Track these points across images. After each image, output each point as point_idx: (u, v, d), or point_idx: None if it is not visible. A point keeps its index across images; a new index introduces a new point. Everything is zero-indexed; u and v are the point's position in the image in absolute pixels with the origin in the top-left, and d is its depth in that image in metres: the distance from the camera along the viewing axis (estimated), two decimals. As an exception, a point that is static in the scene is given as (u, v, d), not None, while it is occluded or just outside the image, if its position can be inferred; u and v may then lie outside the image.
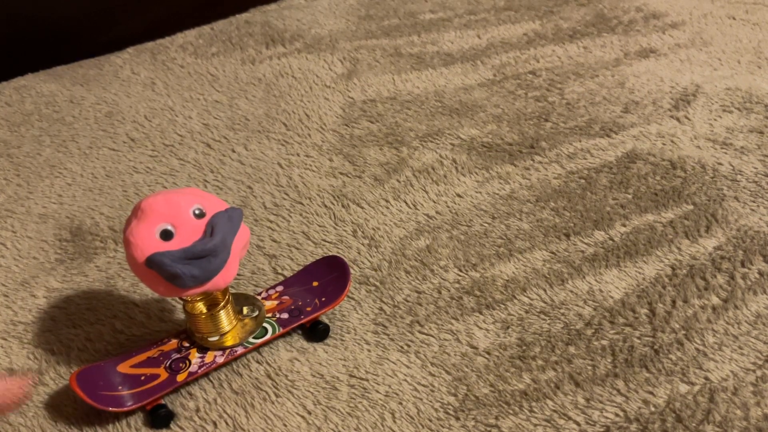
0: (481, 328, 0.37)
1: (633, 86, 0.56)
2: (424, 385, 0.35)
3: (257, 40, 0.66)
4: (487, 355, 0.36)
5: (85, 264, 0.43)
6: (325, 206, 0.46)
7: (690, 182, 0.46)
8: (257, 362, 0.36)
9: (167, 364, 0.34)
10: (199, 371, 0.33)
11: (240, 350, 0.34)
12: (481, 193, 0.46)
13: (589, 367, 0.35)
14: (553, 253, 0.41)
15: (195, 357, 0.34)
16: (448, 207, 0.45)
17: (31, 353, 0.37)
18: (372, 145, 0.51)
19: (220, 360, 0.34)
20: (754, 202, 0.44)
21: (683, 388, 0.34)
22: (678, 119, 0.52)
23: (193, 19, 0.70)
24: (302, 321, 0.36)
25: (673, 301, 0.38)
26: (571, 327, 0.37)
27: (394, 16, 0.70)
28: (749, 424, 0.32)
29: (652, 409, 0.33)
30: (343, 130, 0.53)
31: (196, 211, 0.31)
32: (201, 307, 0.34)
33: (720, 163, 0.47)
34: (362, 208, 0.45)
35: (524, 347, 0.36)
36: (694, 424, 0.32)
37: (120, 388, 0.32)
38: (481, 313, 0.38)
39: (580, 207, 0.45)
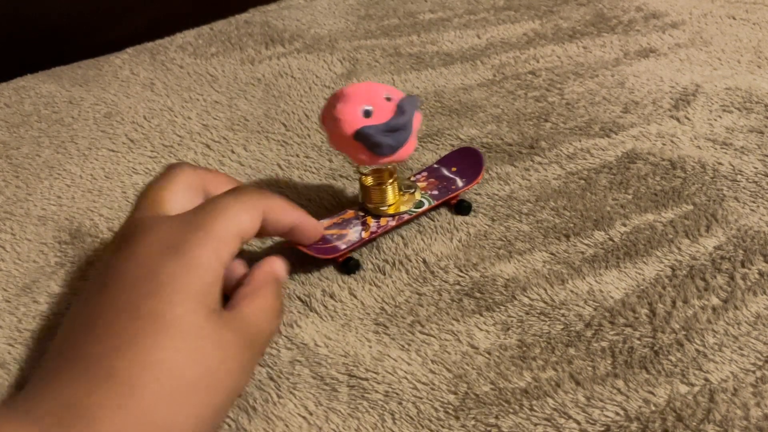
0: (481, 330, 0.37)
1: (633, 86, 0.56)
2: (424, 383, 0.35)
3: (256, 40, 0.66)
4: (487, 355, 0.36)
5: (85, 267, 0.43)
6: (325, 208, 0.46)
7: (690, 182, 0.46)
8: (259, 365, 0.36)
9: (351, 227, 0.42)
10: (378, 231, 0.42)
11: (406, 216, 0.43)
12: (481, 195, 0.46)
13: (589, 368, 0.35)
14: (552, 254, 0.41)
15: (371, 222, 0.42)
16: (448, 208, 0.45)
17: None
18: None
19: (393, 223, 0.42)
20: (754, 202, 0.44)
21: (683, 389, 0.34)
22: (678, 119, 0.52)
23: (193, 19, 0.70)
24: (450, 196, 0.44)
25: (673, 302, 0.38)
26: (571, 328, 0.37)
27: (394, 15, 0.70)
28: (749, 424, 0.32)
29: (653, 408, 0.33)
30: (343, 130, 0.53)
31: (386, 96, 0.38)
32: (373, 181, 0.42)
33: (720, 163, 0.47)
34: (362, 209, 0.45)
35: (524, 348, 0.36)
36: (694, 423, 0.32)
37: (323, 243, 0.40)
38: (481, 314, 0.38)
39: (580, 207, 0.45)
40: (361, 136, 0.37)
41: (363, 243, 0.41)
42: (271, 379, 0.35)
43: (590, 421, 0.33)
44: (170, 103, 0.58)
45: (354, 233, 0.41)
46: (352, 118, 0.37)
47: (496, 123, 0.53)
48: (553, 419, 0.33)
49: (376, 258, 0.42)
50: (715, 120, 0.52)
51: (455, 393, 0.34)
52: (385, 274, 0.41)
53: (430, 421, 0.33)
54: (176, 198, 0.34)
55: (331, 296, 0.39)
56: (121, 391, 0.27)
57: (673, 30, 0.64)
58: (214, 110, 0.57)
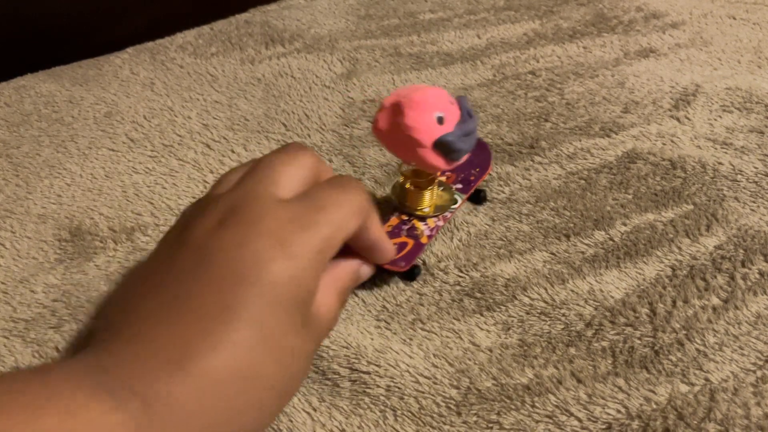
0: (482, 329, 0.37)
1: (633, 86, 0.56)
2: (426, 377, 0.35)
3: (257, 40, 0.66)
4: (489, 352, 0.36)
5: (84, 263, 0.43)
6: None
7: (690, 182, 0.46)
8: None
9: (405, 234, 0.41)
10: (433, 233, 0.41)
11: (448, 214, 0.42)
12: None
13: (590, 367, 0.35)
14: (553, 254, 0.41)
15: (420, 225, 0.41)
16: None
17: (36, 352, 0.37)
18: (372, 146, 0.51)
19: (441, 224, 0.42)
20: (754, 202, 0.44)
21: (684, 388, 0.34)
22: (678, 119, 0.52)
23: (193, 19, 0.70)
24: (473, 189, 0.44)
25: (674, 301, 0.38)
26: (572, 328, 0.37)
27: (394, 15, 0.70)
28: (750, 423, 0.32)
29: (654, 406, 0.33)
30: (343, 130, 0.53)
31: (451, 100, 0.37)
32: (413, 185, 0.41)
33: (720, 163, 0.47)
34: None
35: (525, 348, 0.36)
36: (695, 422, 0.32)
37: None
38: (481, 314, 0.38)
39: (580, 207, 0.45)
40: (443, 144, 0.36)
41: (423, 249, 0.40)
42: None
43: (592, 418, 0.33)
44: (170, 103, 0.58)
45: (411, 240, 0.40)
46: (428, 127, 0.36)
47: (496, 123, 0.53)
48: (554, 416, 0.33)
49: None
50: (716, 120, 0.52)
51: (457, 387, 0.34)
52: (385, 274, 0.41)
53: (432, 417, 0.33)
54: (293, 180, 0.32)
55: (332, 294, 0.39)
56: (203, 390, 0.26)
57: (673, 30, 0.64)
58: (214, 110, 0.57)
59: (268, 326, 0.27)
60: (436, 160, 0.37)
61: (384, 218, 0.42)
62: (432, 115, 0.36)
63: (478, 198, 0.45)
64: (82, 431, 0.23)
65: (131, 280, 0.30)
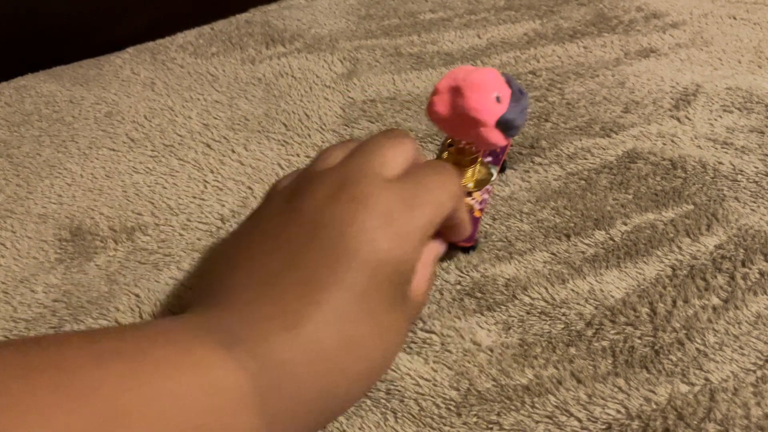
0: (482, 328, 0.37)
1: (633, 86, 0.56)
2: (426, 380, 0.35)
3: (257, 40, 0.66)
4: (489, 352, 0.36)
5: (85, 263, 0.43)
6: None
7: (690, 182, 0.46)
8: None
9: None
10: (482, 206, 0.42)
11: (490, 187, 0.44)
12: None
13: (590, 367, 0.35)
14: (553, 254, 0.41)
15: (468, 199, 0.42)
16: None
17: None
18: (372, 145, 0.51)
19: (486, 196, 0.43)
20: (754, 202, 0.44)
21: (684, 388, 0.34)
22: (678, 119, 0.52)
23: (193, 19, 0.70)
24: (501, 160, 0.46)
25: (674, 301, 0.38)
26: (572, 328, 0.37)
27: (394, 15, 0.70)
28: (750, 423, 0.32)
29: (654, 406, 0.33)
30: (343, 130, 0.53)
31: (504, 79, 0.38)
32: (457, 162, 0.42)
33: (720, 163, 0.47)
34: (363, 207, 0.45)
35: (525, 347, 0.36)
36: (695, 422, 0.32)
37: None
38: (482, 314, 0.38)
39: (581, 207, 0.45)
40: (506, 122, 0.37)
41: (479, 222, 0.42)
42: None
43: (591, 418, 0.33)
44: (171, 103, 0.58)
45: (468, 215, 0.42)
46: (490, 107, 0.37)
47: (496, 123, 0.53)
48: (554, 416, 0.33)
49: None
50: (716, 120, 0.52)
51: (457, 389, 0.34)
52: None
53: (432, 419, 0.33)
54: (398, 162, 0.33)
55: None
56: (312, 357, 0.26)
57: (673, 30, 0.64)
58: (215, 110, 0.57)
59: (373, 302, 0.28)
60: (497, 138, 0.38)
61: None
62: (491, 95, 0.37)
63: (503, 168, 0.47)
64: (208, 389, 0.23)
65: (232, 247, 0.30)
